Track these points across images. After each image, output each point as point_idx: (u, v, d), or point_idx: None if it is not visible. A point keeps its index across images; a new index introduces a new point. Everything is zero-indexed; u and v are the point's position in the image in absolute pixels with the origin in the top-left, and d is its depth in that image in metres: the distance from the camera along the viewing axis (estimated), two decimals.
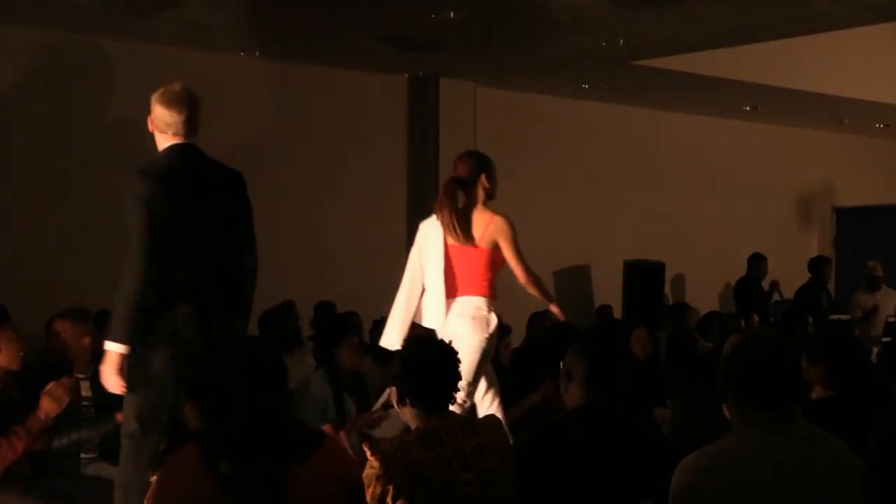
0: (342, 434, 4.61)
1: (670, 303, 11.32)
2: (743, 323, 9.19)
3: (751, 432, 2.86)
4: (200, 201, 4.19)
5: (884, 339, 8.29)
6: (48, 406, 4.45)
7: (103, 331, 4.34)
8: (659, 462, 3.25)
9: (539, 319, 8.29)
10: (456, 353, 3.54)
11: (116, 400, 4.75)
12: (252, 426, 2.63)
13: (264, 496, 2.57)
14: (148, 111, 4.26)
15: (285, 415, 2.74)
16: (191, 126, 4.23)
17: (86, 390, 4.97)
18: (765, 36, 8.33)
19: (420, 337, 3.77)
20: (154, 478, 2.66)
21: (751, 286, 10.91)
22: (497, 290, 5.28)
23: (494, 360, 6.37)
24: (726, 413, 2.96)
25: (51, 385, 4.48)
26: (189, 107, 4.22)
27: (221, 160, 4.38)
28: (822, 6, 7.18)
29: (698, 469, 2.84)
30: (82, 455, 4.96)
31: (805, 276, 11.09)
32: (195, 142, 4.27)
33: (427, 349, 3.64)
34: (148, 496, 2.64)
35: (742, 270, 11.06)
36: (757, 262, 11.00)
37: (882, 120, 12.17)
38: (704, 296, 11.83)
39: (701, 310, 10.03)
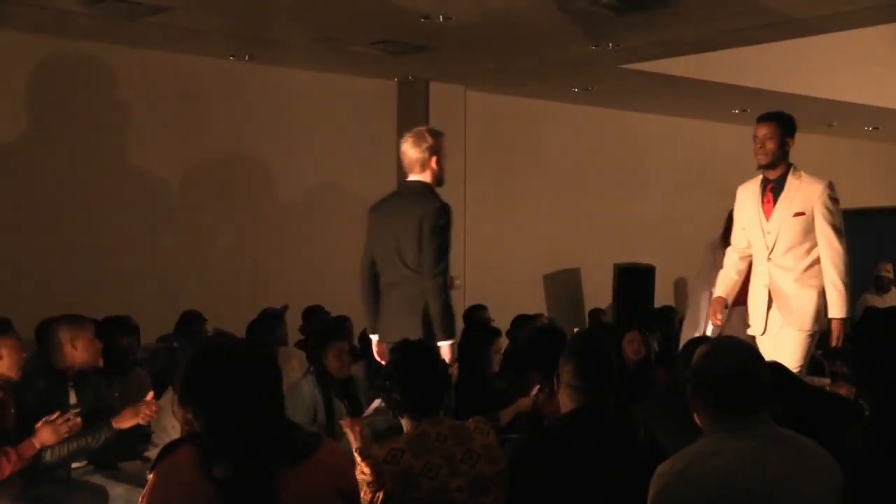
0: (357, 429, 4.58)
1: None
2: None
3: (721, 436, 2.90)
4: None
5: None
6: (46, 437, 4.42)
7: None
8: (650, 464, 3.25)
9: (524, 323, 8.27)
10: (442, 359, 3.53)
11: (105, 405, 4.73)
12: (247, 429, 2.62)
13: (260, 498, 2.56)
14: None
15: (280, 418, 2.74)
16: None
17: (72, 399, 4.91)
18: (754, 39, 8.35)
19: (408, 343, 3.75)
20: (149, 479, 2.65)
21: None
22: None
23: (484, 364, 6.37)
24: (697, 421, 2.99)
25: (57, 419, 4.44)
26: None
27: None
28: (813, 9, 7.21)
29: (674, 472, 2.87)
30: (73, 465, 4.92)
31: None
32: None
33: (415, 354, 3.64)
34: (142, 497, 2.64)
35: None
36: None
37: (871, 123, 12.20)
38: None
39: None
